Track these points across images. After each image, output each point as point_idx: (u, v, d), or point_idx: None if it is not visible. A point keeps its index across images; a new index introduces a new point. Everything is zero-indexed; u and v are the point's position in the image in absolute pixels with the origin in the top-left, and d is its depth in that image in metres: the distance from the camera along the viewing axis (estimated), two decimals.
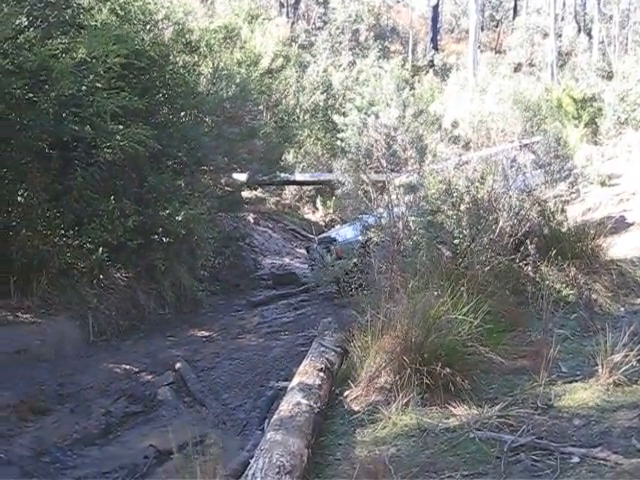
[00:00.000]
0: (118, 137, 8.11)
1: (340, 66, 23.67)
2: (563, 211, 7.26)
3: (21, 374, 6.45)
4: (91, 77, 7.64)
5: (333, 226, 14.64)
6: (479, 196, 6.38)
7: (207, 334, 8.65)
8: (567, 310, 6.24)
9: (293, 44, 21.26)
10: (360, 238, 9.19)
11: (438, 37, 36.70)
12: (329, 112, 18.57)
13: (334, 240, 10.21)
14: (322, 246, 10.40)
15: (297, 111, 17.74)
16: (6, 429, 5.31)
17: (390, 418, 4.38)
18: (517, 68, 27.80)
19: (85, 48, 7.46)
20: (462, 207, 6.22)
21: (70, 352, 7.46)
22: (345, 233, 10.25)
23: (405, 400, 4.47)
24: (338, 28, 30.30)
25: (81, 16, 8.73)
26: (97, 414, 5.76)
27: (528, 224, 6.66)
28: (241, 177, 13.33)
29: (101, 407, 5.91)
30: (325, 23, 31.80)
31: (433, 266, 5.87)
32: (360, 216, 7.26)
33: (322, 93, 19.71)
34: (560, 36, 29.48)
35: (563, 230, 7.09)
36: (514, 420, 4.06)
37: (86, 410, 5.87)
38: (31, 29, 7.95)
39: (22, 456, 4.93)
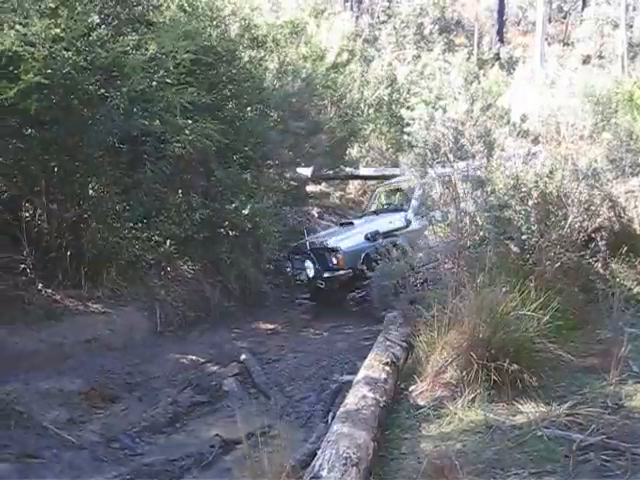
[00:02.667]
0: (187, 132, 8.26)
1: (404, 60, 23.45)
2: (635, 207, 7.08)
3: (92, 362, 6.66)
4: (161, 73, 7.75)
5: None
6: (548, 191, 6.27)
7: (271, 327, 8.76)
8: (638, 308, 6.09)
9: (357, 38, 21.15)
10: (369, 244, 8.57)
11: (504, 29, 36.03)
12: (393, 106, 18.46)
13: (334, 249, 8.86)
14: (314, 254, 9.16)
15: (361, 105, 17.62)
16: (77, 415, 5.50)
17: (456, 413, 4.36)
18: (586, 60, 27.10)
19: (156, 44, 7.58)
20: (530, 202, 6.10)
21: (138, 342, 7.65)
22: (346, 238, 9.16)
23: (471, 396, 4.45)
24: (402, 22, 30.04)
25: (150, 13, 8.91)
26: (164, 403, 5.89)
27: (598, 220, 6.50)
28: (306, 171, 13.37)
29: (168, 396, 6.04)
30: (389, 17, 31.51)
31: (500, 262, 5.80)
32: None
33: (386, 87, 19.52)
34: (631, 27, 28.62)
35: (634, 226, 6.92)
36: (583, 419, 4.00)
37: (154, 399, 6.02)
38: (103, 26, 8.14)
39: (92, 442, 5.09)
